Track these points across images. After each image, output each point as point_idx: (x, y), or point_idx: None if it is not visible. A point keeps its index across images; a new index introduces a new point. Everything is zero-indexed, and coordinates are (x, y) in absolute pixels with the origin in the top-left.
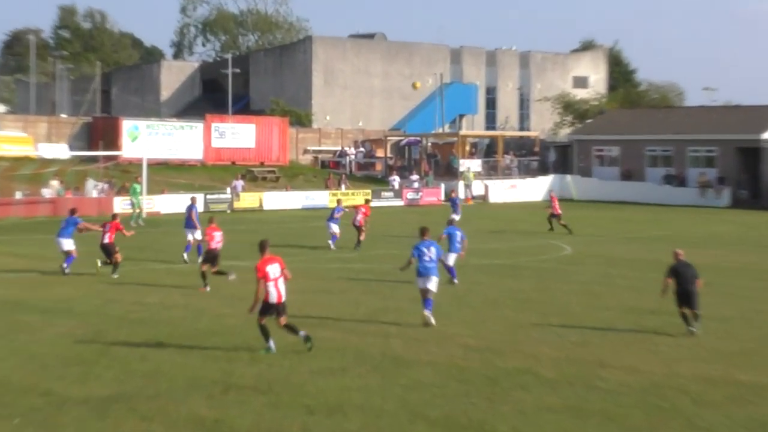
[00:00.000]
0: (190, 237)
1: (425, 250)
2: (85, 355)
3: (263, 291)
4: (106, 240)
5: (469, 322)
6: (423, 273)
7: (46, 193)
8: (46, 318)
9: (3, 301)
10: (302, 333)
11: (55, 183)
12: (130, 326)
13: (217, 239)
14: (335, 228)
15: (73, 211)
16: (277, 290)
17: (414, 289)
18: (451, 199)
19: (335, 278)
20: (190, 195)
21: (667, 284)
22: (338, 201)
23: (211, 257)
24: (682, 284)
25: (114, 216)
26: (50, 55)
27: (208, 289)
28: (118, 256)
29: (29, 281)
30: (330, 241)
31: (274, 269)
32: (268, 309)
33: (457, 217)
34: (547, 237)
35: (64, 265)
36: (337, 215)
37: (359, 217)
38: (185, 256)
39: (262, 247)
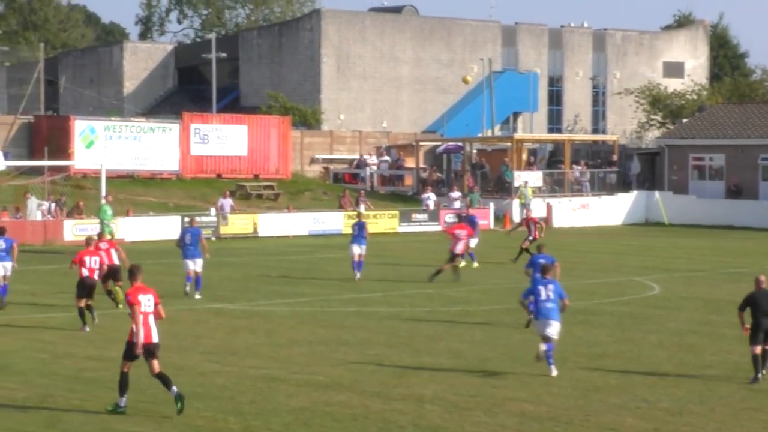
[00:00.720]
0: (190, 267)
1: (542, 288)
2: (27, 427)
3: (138, 323)
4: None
5: (527, 383)
6: (540, 316)
7: None
8: None
9: None
10: (174, 389)
11: None
12: (85, 389)
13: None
14: (358, 249)
15: (1, 231)
16: (147, 327)
17: (455, 343)
18: (468, 218)
19: (352, 326)
20: (180, 215)
21: (742, 319)
22: (359, 215)
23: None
24: (758, 317)
25: (101, 235)
26: None
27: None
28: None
29: None
30: (357, 271)
31: (146, 301)
32: (134, 351)
33: (474, 243)
34: (628, 273)
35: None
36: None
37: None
38: (187, 289)
39: (133, 273)
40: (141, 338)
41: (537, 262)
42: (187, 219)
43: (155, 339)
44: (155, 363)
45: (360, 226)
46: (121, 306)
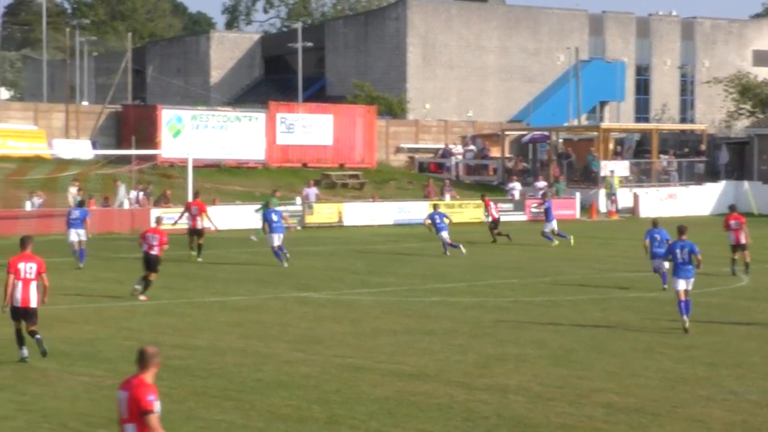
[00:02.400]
0: (275, 242)
1: (678, 251)
2: (114, 414)
3: (10, 289)
4: (155, 251)
5: (614, 374)
6: (677, 275)
7: (71, 197)
8: (64, 365)
9: (9, 342)
10: (43, 348)
11: (73, 190)
12: (172, 376)
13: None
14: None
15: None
16: (23, 292)
17: (539, 333)
18: (546, 204)
19: (437, 315)
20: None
21: None
22: (435, 206)
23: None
24: None
25: (159, 220)
26: (67, 24)
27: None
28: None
29: (44, 317)
30: (460, 247)
31: (27, 268)
32: (14, 313)
33: (549, 227)
34: (716, 264)
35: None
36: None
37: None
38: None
39: (23, 242)
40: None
41: (653, 235)
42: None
43: (31, 304)
44: (32, 326)
45: (440, 216)
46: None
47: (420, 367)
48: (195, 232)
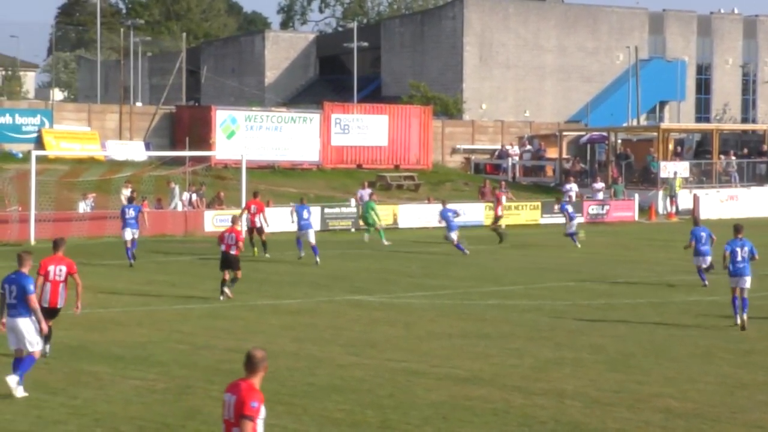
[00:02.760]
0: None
1: (738, 249)
2: (167, 419)
3: (39, 291)
4: (233, 251)
5: (672, 379)
6: (735, 273)
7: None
8: (117, 368)
9: (62, 346)
10: (47, 347)
11: (126, 192)
12: (224, 380)
13: None
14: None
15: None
16: (51, 294)
17: (596, 337)
18: (561, 206)
19: (493, 319)
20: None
21: None
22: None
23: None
24: None
25: (235, 219)
26: (121, 25)
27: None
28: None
29: (96, 320)
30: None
31: (57, 270)
32: (43, 313)
33: (573, 226)
34: None
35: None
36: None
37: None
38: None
39: (56, 244)
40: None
41: (698, 234)
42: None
43: (58, 306)
44: (49, 323)
45: (453, 213)
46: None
47: (475, 371)
48: (255, 230)
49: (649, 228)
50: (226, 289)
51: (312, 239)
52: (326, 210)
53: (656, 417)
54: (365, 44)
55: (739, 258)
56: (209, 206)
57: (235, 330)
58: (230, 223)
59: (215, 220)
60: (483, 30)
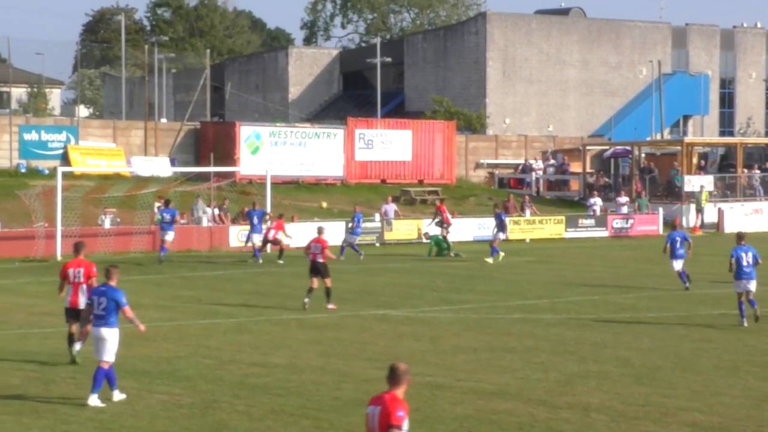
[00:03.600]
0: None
1: (743, 254)
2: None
3: (63, 293)
4: (320, 259)
5: (698, 392)
6: (741, 277)
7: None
8: (143, 383)
9: (90, 361)
10: (77, 347)
11: (158, 205)
12: (250, 395)
13: None
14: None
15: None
16: (72, 295)
17: (622, 350)
18: (497, 216)
19: (518, 333)
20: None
21: None
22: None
23: None
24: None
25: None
26: (146, 41)
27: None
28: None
29: (122, 335)
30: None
31: (76, 273)
32: (67, 314)
33: (502, 236)
34: None
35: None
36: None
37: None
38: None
39: (76, 247)
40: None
41: (674, 237)
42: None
43: (81, 306)
44: (81, 331)
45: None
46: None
47: (501, 385)
48: (270, 242)
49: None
50: (306, 300)
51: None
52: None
53: (683, 431)
54: (388, 60)
55: (745, 263)
56: (234, 221)
57: (260, 344)
58: (316, 234)
59: (240, 236)
60: (506, 45)
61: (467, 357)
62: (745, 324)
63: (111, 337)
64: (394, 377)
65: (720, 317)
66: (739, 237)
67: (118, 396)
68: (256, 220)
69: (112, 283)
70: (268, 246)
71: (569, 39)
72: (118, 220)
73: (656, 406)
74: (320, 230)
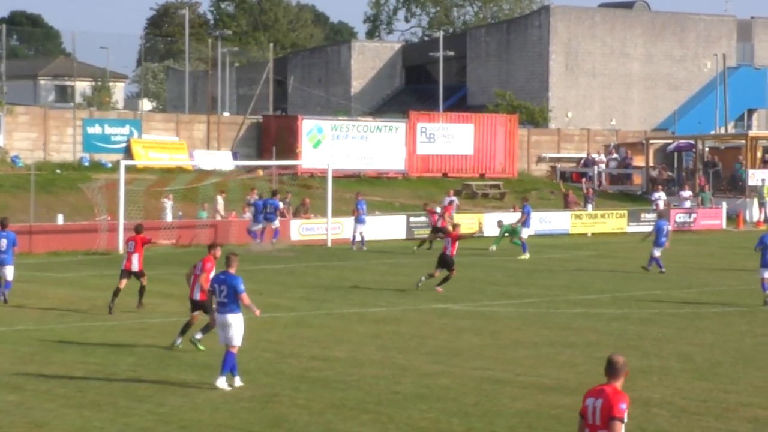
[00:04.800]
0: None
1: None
2: (253, 427)
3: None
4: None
5: (761, 387)
6: (764, 264)
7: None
8: (204, 376)
9: (150, 354)
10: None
11: (220, 198)
12: (310, 389)
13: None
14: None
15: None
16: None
17: (684, 345)
18: (524, 208)
19: (579, 327)
20: (406, 215)
21: None
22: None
23: None
24: None
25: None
26: (209, 35)
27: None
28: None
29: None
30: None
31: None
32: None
33: (525, 233)
34: None
35: None
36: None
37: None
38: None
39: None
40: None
41: (661, 226)
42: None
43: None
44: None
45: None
46: None
47: (561, 380)
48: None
49: (737, 236)
50: (424, 278)
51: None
52: (412, 218)
53: (744, 427)
54: (451, 53)
55: None
56: (295, 215)
57: (320, 338)
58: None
59: (301, 229)
60: (569, 38)
61: (527, 352)
62: None
63: (236, 322)
64: (613, 370)
65: None
66: None
67: (238, 382)
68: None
69: (232, 271)
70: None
71: (633, 32)
72: (180, 213)
73: (717, 402)
74: (456, 226)
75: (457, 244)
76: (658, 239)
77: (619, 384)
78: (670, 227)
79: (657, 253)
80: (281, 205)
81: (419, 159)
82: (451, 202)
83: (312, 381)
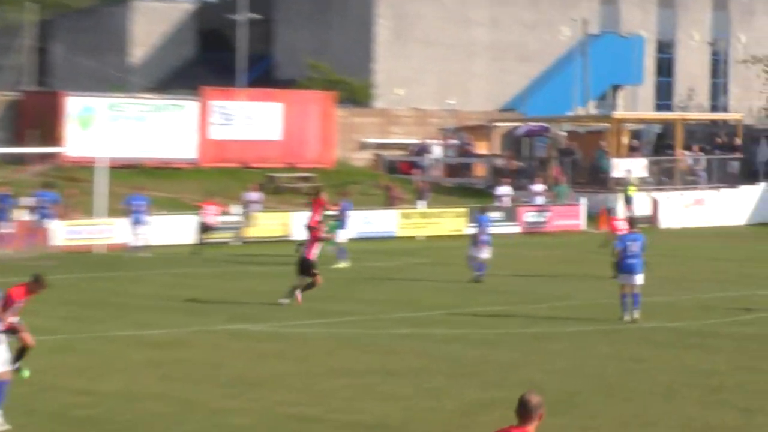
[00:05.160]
0: None
1: (630, 243)
2: None
3: None
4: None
5: (626, 423)
6: (626, 269)
7: None
8: None
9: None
10: None
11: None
12: (71, 430)
13: None
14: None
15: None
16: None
17: (534, 372)
18: (342, 207)
19: (406, 351)
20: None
21: None
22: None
23: None
24: None
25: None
26: None
27: None
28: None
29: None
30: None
31: None
32: None
33: (341, 236)
34: (754, 286)
35: None
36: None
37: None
38: None
39: None
40: None
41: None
42: None
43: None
44: None
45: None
46: None
47: (383, 417)
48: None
49: (599, 239)
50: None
51: None
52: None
53: None
54: (255, 16)
55: (630, 252)
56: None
57: (88, 367)
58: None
59: (65, 232)
60: (398, 0)
61: (343, 381)
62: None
63: None
64: (525, 410)
65: (653, 331)
66: (630, 223)
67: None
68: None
69: None
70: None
71: None
72: None
73: None
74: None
75: (316, 246)
76: (479, 237)
77: (531, 428)
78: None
79: (483, 255)
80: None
81: (214, 145)
82: (250, 202)
83: (77, 421)
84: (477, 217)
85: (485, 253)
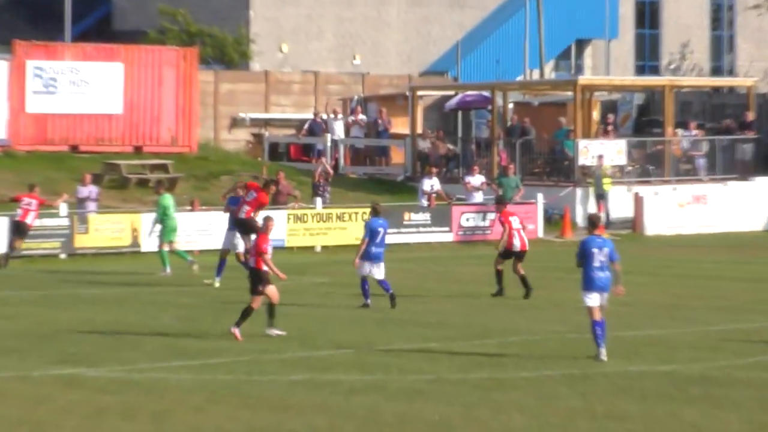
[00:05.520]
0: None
1: (596, 251)
2: None
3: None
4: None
5: None
6: (591, 285)
7: None
8: None
9: None
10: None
11: None
12: None
13: None
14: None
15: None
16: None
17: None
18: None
19: (301, 406)
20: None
21: None
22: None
23: None
24: None
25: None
26: None
27: None
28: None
29: None
30: None
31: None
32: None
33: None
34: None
35: None
36: None
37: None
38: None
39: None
40: None
41: (375, 228)
42: None
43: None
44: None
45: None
46: None
47: None
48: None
49: (561, 250)
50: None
51: None
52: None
53: None
54: None
55: (597, 263)
56: None
57: None
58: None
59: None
60: None
61: None
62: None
63: None
64: None
65: (639, 377)
66: (593, 223)
67: None
68: None
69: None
70: None
71: None
72: None
73: None
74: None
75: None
76: (369, 249)
77: None
78: (387, 225)
79: (378, 275)
80: None
81: (31, 121)
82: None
83: None
84: (368, 222)
85: (381, 273)
